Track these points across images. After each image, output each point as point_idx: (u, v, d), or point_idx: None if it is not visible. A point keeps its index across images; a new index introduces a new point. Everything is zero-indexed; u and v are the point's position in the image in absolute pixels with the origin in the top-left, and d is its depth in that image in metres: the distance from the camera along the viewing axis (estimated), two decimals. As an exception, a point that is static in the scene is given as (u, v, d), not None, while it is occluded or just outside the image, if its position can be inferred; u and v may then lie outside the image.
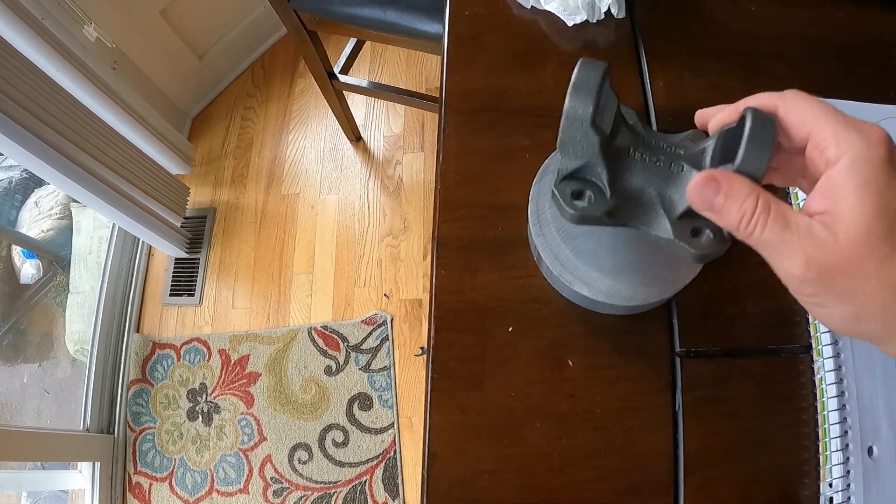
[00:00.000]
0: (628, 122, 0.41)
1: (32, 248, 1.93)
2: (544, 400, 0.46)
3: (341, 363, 1.64)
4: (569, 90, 0.38)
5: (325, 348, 1.66)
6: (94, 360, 1.67)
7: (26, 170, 2.03)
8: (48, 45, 1.34)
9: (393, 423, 1.56)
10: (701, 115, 0.39)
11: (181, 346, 1.72)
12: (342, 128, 1.92)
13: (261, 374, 1.65)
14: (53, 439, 1.47)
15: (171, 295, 1.81)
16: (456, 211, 0.53)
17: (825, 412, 0.44)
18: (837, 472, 0.42)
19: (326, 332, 1.69)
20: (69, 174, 1.38)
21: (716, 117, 0.37)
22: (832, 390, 0.44)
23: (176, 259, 1.85)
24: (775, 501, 0.43)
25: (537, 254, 0.48)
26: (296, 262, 1.81)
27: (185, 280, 1.82)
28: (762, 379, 0.47)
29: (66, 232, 1.94)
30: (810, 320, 0.48)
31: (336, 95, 1.70)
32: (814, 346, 0.47)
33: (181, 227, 1.82)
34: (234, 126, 2.05)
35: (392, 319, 1.68)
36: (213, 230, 1.88)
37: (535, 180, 0.50)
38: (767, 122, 0.33)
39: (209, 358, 1.69)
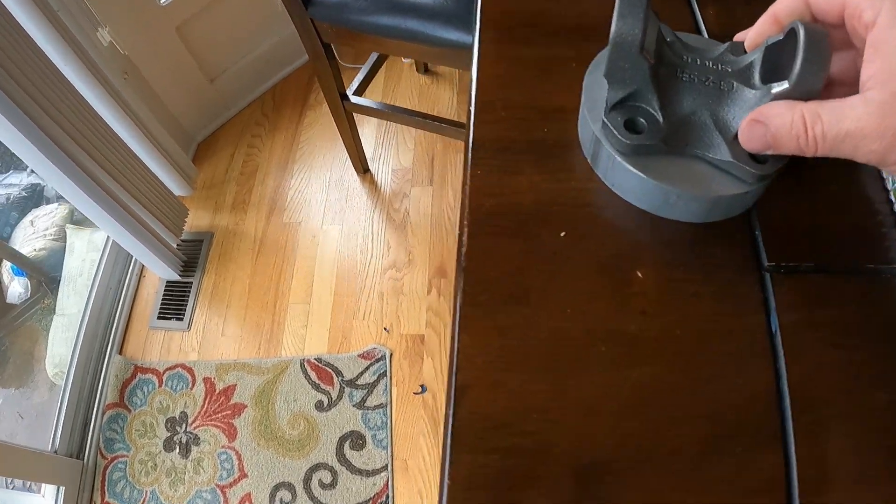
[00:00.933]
0: (667, 41, 0.39)
1: (23, 265, 1.84)
2: (608, 319, 0.36)
3: (334, 398, 1.51)
4: (614, 16, 0.36)
5: (317, 382, 1.54)
6: (70, 378, 1.54)
7: (25, 188, 2.00)
8: (61, 37, 1.29)
9: (387, 465, 1.42)
10: (740, 37, 0.39)
11: (164, 372, 1.60)
12: (350, 158, 1.86)
13: (246, 406, 1.52)
14: (15, 454, 1.33)
15: (159, 318, 1.70)
16: (494, 112, 0.45)
17: None
18: None
19: (320, 365, 1.56)
20: (73, 177, 1.31)
21: (752, 31, 0.37)
22: None
23: (168, 282, 1.75)
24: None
25: (595, 144, 0.39)
26: (293, 292, 1.70)
27: (175, 304, 1.71)
28: (865, 301, 0.37)
29: (58, 253, 1.86)
30: None
31: (347, 120, 1.64)
32: None
33: (177, 248, 1.73)
34: (240, 153, 1.99)
35: (391, 355, 1.57)
36: (209, 255, 1.79)
37: (590, 69, 0.41)
38: (821, 38, 0.32)
39: (193, 386, 1.56)
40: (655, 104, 0.38)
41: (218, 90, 2.00)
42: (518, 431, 0.34)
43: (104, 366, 1.63)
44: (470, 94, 0.46)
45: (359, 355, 1.57)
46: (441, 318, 1.60)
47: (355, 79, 1.62)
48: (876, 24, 0.30)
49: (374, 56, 1.67)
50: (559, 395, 0.35)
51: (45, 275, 1.89)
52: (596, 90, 0.40)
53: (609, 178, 0.40)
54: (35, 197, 2.02)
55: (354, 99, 1.56)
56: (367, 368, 1.55)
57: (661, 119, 0.38)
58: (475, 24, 0.52)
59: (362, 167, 1.87)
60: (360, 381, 1.53)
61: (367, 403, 1.50)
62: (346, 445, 1.45)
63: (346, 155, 1.84)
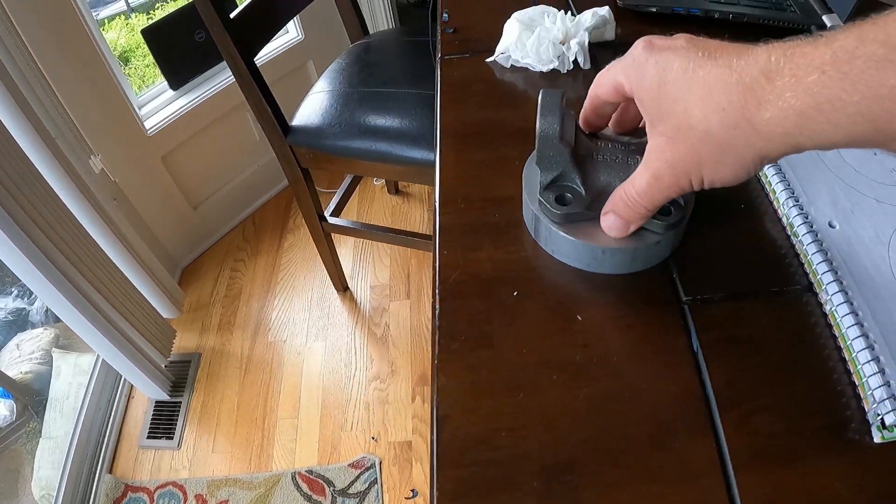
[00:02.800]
0: (585, 132, 0.50)
1: (9, 387, 1.86)
2: (557, 352, 0.45)
3: (327, 509, 1.53)
4: (537, 115, 0.46)
5: (309, 493, 1.56)
6: (59, 500, 1.55)
7: (11, 312, 2.02)
8: (58, 162, 1.39)
9: (383, 571, 1.43)
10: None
11: (155, 490, 1.61)
12: (330, 277, 1.96)
13: (240, 522, 1.53)
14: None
15: (148, 437, 1.72)
16: (455, 204, 0.55)
17: (843, 331, 0.43)
18: (875, 382, 0.40)
19: (311, 477, 1.59)
20: (67, 295, 1.37)
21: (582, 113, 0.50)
22: (844, 309, 0.44)
23: (157, 402, 1.78)
24: (825, 428, 0.41)
25: (534, 220, 0.50)
26: (281, 407, 1.75)
27: (164, 423, 1.74)
28: (774, 317, 0.46)
29: (44, 377, 1.88)
30: (804, 261, 0.49)
31: (325, 240, 1.76)
32: (814, 282, 0.48)
33: (165, 368, 1.78)
34: (224, 276, 2.08)
35: (381, 462, 1.60)
36: (197, 374, 1.84)
37: (528, 162, 0.53)
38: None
39: (184, 503, 1.58)
40: (578, 181, 0.48)
41: (201, 216, 2.12)
42: (492, 447, 0.42)
43: (94, 485, 1.64)
44: (435, 193, 0.57)
45: (349, 465, 1.60)
46: (426, 423, 1.65)
47: (332, 201, 1.75)
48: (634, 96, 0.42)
49: (347, 179, 1.81)
50: (522, 415, 0.43)
51: (30, 398, 1.89)
52: (531, 179, 0.51)
53: (548, 245, 0.50)
54: (20, 321, 2.04)
55: (332, 220, 1.68)
56: (358, 477, 1.58)
57: (583, 192, 0.48)
58: (436, 137, 0.64)
59: (342, 286, 1.97)
60: (351, 490, 1.56)
61: (360, 511, 1.52)
62: (341, 555, 1.46)
63: (326, 275, 1.94)
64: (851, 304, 0.44)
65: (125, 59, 2.46)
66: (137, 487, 1.63)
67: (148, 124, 1.81)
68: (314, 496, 1.56)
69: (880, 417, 0.39)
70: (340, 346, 1.86)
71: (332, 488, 1.57)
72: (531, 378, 0.44)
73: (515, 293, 0.49)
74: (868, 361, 0.41)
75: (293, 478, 1.59)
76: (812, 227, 0.50)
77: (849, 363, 0.43)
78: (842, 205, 0.52)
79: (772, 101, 0.32)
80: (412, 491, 1.55)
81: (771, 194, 0.54)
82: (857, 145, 0.31)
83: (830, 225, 0.50)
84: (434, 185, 0.58)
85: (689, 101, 0.36)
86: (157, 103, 1.87)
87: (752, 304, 0.47)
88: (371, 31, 1.79)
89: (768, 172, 0.55)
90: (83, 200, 1.48)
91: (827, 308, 0.46)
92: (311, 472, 1.60)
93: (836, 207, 0.51)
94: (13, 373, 1.90)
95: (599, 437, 0.42)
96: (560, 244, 0.49)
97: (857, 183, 0.54)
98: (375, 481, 1.57)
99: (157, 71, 1.89)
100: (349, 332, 1.89)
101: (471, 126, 0.65)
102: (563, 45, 0.74)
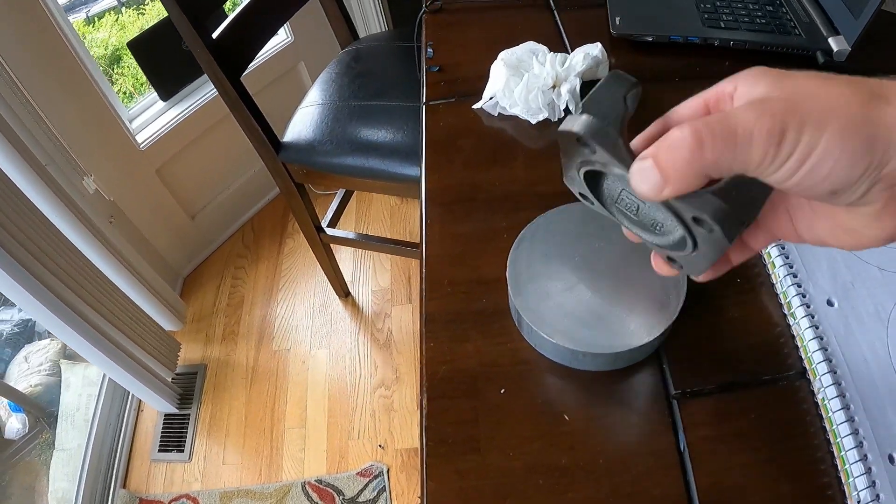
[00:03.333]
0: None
1: (20, 401, 1.88)
2: (544, 456, 0.45)
3: (337, 518, 1.56)
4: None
5: (319, 502, 1.59)
6: (77, 517, 1.58)
7: (17, 324, 2.03)
8: (50, 190, 1.39)
9: (394, 580, 1.46)
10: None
11: (169, 503, 1.64)
12: (331, 283, 1.96)
13: (252, 534, 1.56)
14: None
15: (159, 451, 1.75)
16: (441, 289, 0.55)
17: (834, 427, 0.43)
18: (862, 484, 0.40)
19: (321, 486, 1.61)
20: (67, 321, 1.38)
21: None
22: (836, 404, 0.44)
23: (166, 415, 1.81)
24: (804, 529, 0.41)
25: (518, 315, 0.50)
26: (288, 417, 1.77)
27: (174, 436, 1.77)
28: (764, 409, 0.46)
29: (54, 388, 1.90)
30: (800, 345, 0.48)
31: (324, 249, 1.76)
32: (808, 368, 0.47)
33: (172, 381, 1.80)
34: (225, 285, 2.09)
35: (388, 470, 1.62)
36: (204, 386, 1.85)
37: (512, 248, 0.52)
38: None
39: (198, 517, 1.61)
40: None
41: (199, 226, 2.12)
42: (482, 557, 0.43)
43: (109, 500, 1.67)
44: (421, 274, 0.56)
45: (357, 473, 1.62)
46: (432, 427, 1.66)
47: (328, 210, 1.74)
48: (737, 89, 0.32)
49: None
50: (511, 524, 0.43)
51: (41, 410, 1.91)
52: (518, 267, 0.51)
53: (531, 341, 0.50)
54: (27, 332, 2.05)
55: (330, 231, 1.68)
56: (367, 485, 1.60)
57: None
58: (421, 204, 0.63)
59: (343, 292, 1.97)
60: (360, 499, 1.58)
61: (369, 520, 1.54)
62: (353, 564, 1.49)
63: (328, 280, 1.95)
64: (844, 396, 0.44)
65: (117, 59, 2.43)
66: (151, 501, 1.65)
67: (140, 138, 1.80)
68: (324, 506, 1.58)
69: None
70: (344, 353, 1.87)
71: (341, 497, 1.59)
72: (518, 484, 0.45)
73: (503, 391, 0.49)
74: (856, 461, 0.42)
75: (303, 487, 1.62)
76: (809, 306, 0.49)
77: (836, 459, 0.43)
78: (842, 277, 0.51)
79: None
80: (420, 498, 1.56)
81: (770, 267, 0.53)
82: None
83: (829, 303, 0.50)
84: (421, 263, 0.58)
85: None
86: (148, 116, 1.86)
87: (743, 395, 0.47)
88: (362, 34, 1.77)
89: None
90: (77, 224, 1.48)
91: (819, 396, 0.46)
92: (320, 481, 1.62)
93: (835, 282, 0.51)
94: (23, 386, 1.92)
95: (585, 547, 0.42)
96: (541, 342, 0.49)
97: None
98: (384, 489, 1.59)
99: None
100: (352, 339, 1.90)
101: (456, 191, 0.64)
102: (554, 89, 0.72)
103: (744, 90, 0.32)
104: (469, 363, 0.50)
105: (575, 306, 0.47)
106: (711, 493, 0.43)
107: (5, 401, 1.88)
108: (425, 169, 0.67)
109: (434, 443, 0.47)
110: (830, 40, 0.77)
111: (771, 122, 0.28)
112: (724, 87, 0.33)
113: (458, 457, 0.46)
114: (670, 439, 0.46)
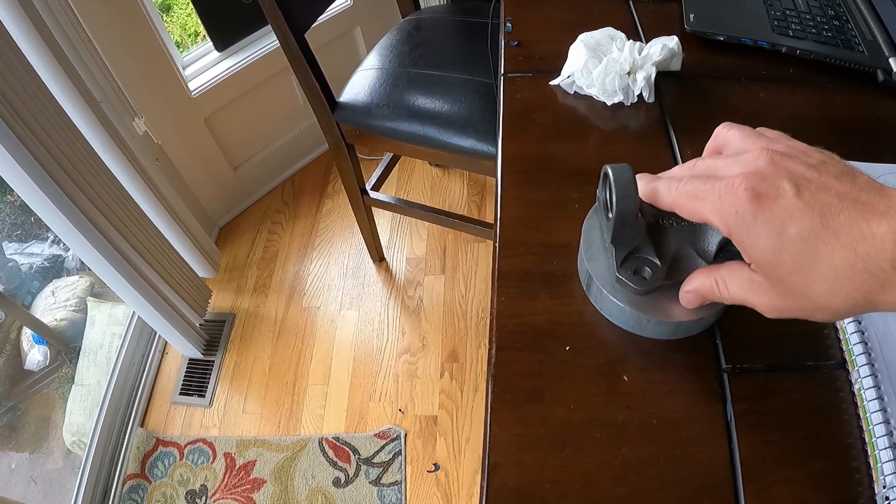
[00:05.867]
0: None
1: (44, 333, 1.94)
2: (602, 412, 0.48)
3: (351, 475, 1.60)
4: (614, 195, 0.45)
5: (335, 459, 1.63)
6: (93, 448, 1.63)
7: (48, 258, 2.09)
8: (102, 126, 1.43)
9: (401, 539, 1.50)
10: None
11: (185, 446, 1.69)
12: (367, 246, 2.00)
13: (266, 481, 1.61)
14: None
15: (181, 394, 1.80)
16: (514, 248, 0.58)
17: (868, 415, 0.46)
18: (889, 469, 0.43)
19: (338, 444, 1.66)
20: (105, 254, 1.42)
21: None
22: (871, 394, 0.47)
23: (190, 359, 1.86)
24: (835, 506, 0.44)
25: (588, 278, 0.52)
26: (312, 373, 1.81)
27: (197, 381, 1.82)
28: (804, 392, 0.49)
29: (79, 324, 1.95)
30: (841, 338, 0.51)
31: (365, 212, 1.79)
32: (848, 359, 0.50)
33: (200, 327, 1.84)
34: (261, 238, 2.13)
35: (406, 435, 1.66)
36: (231, 335, 1.90)
37: (587, 216, 0.55)
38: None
39: (213, 460, 1.66)
40: (651, 252, 0.48)
41: (241, 178, 2.17)
42: (537, 499, 0.45)
43: (126, 437, 1.72)
44: (495, 233, 0.59)
45: (375, 435, 1.66)
46: (453, 400, 1.71)
47: (373, 174, 1.78)
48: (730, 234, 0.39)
49: (390, 153, 1.83)
50: (566, 470, 0.46)
51: (64, 344, 1.97)
52: (591, 235, 0.53)
53: (598, 305, 0.53)
54: (56, 268, 2.10)
55: (373, 194, 1.71)
56: (383, 447, 1.64)
57: (659, 263, 0.48)
58: (497, 168, 0.66)
59: (378, 256, 2.01)
60: (375, 460, 1.62)
61: (383, 481, 1.59)
62: (362, 520, 1.54)
63: (363, 243, 1.98)
64: (879, 388, 0.47)
65: (167, 7, 2.47)
66: (168, 442, 1.71)
67: (192, 86, 1.84)
68: (339, 462, 1.62)
69: (888, 501, 0.42)
70: (373, 316, 1.91)
71: (357, 456, 1.63)
72: (576, 435, 0.47)
73: (567, 348, 0.51)
74: (886, 448, 0.44)
75: (320, 443, 1.66)
76: None
77: (867, 445, 0.46)
78: None
79: (893, 288, 0.33)
80: (434, 465, 1.61)
81: None
82: None
83: None
84: (495, 223, 0.61)
85: (811, 279, 0.36)
86: (202, 64, 1.90)
87: (787, 377, 0.50)
88: (423, 6, 1.79)
89: None
90: (125, 162, 1.52)
91: (856, 387, 0.49)
92: (337, 438, 1.67)
93: None
94: (48, 319, 1.97)
95: (633, 498, 0.45)
96: (609, 306, 0.51)
97: None
98: (399, 452, 1.63)
99: (198, 20, 1.89)
100: (383, 303, 1.94)
101: (531, 161, 0.66)
102: (630, 75, 0.74)
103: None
104: (537, 319, 0.53)
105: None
106: (752, 462, 0.46)
107: (29, 332, 1.94)
108: (502, 137, 0.69)
109: (500, 390, 0.50)
110: (891, 60, 0.79)
111: (773, 315, 0.41)
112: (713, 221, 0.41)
113: (521, 405, 0.49)
114: (719, 409, 0.48)
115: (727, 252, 0.46)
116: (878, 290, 0.34)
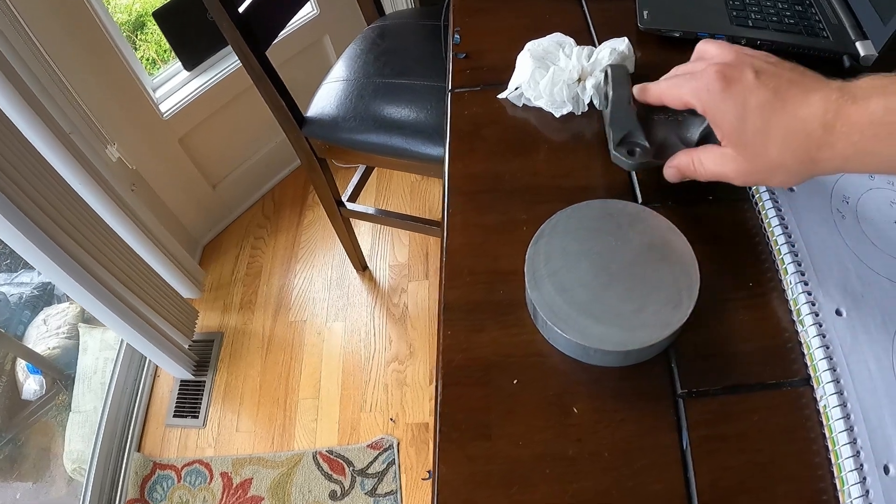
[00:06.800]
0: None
1: (38, 363, 1.93)
2: (552, 446, 0.47)
3: (346, 487, 1.60)
4: (611, 86, 0.62)
5: (329, 472, 1.63)
6: (91, 477, 1.63)
7: (37, 287, 2.08)
8: (74, 158, 1.41)
9: (400, 550, 1.50)
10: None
11: (182, 468, 1.68)
12: (349, 257, 1.98)
13: (263, 499, 1.60)
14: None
15: (174, 416, 1.79)
16: (461, 278, 0.57)
17: (833, 435, 0.45)
18: (856, 493, 0.42)
19: (332, 457, 1.65)
20: (87, 286, 1.41)
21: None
22: (836, 413, 0.45)
23: (181, 381, 1.85)
24: (798, 531, 0.43)
25: (533, 309, 0.51)
26: (302, 387, 1.80)
27: (189, 402, 1.81)
28: (766, 413, 0.48)
29: (72, 351, 1.94)
30: (805, 352, 0.50)
31: (344, 223, 1.78)
32: (812, 375, 0.48)
33: (189, 348, 1.84)
34: (244, 254, 2.12)
35: (398, 443, 1.66)
36: (220, 354, 1.89)
37: (531, 243, 0.54)
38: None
39: (210, 480, 1.65)
40: (642, 137, 0.58)
41: (220, 195, 2.15)
42: (487, 539, 0.45)
43: (124, 463, 1.71)
44: (441, 263, 0.58)
45: (368, 445, 1.66)
46: (443, 403, 1.69)
47: (349, 184, 1.76)
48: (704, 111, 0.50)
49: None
50: (517, 508, 0.45)
51: (59, 372, 1.96)
52: (536, 262, 0.52)
53: (546, 334, 0.52)
54: (46, 295, 2.09)
55: (350, 206, 1.70)
56: (377, 458, 1.64)
57: (647, 145, 0.58)
58: (444, 192, 0.65)
59: (361, 265, 2.00)
60: (370, 470, 1.62)
61: (378, 491, 1.58)
62: (360, 533, 1.53)
63: (346, 254, 1.97)
64: (845, 405, 0.46)
65: (141, 25, 2.45)
66: (165, 465, 1.70)
67: (163, 108, 1.82)
68: (335, 475, 1.62)
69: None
70: (360, 326, 1.90)
71: (351, 468, 1.63)
72: (525, 471, 0.47)
73: (515, 381, 0.50)
74: (853, 470, 0.43)
75: (314, 457, 1.66)
76: (818, 315, 0.50)
77: (833, 466, 0.45)
78: (852, 287, 0.52)
79: (828, 148, 0.44)
80: (428, 472, 1.60)
81: (782, 273, 0.54)
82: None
83: (838, 312, 0.50)
84: (442, 252, 0.59)
85: (768, 139, 0.46)
86: (172, 85, 1.88)
87: (747, 399, 0.49)
88: (388, 10, 1.77)
89: (782, 249, 0.55)
90: (100, 191, 1.50)
91: (821, 404, 0.47)
92: (331, 451, 1.66)
93: (845, 291, 0.52)
94: (41, 348, 1.96)
95: (587, 534, 0.44)
96: (555, 336, 0.50)
97: (873, 259, 0.54)
98: (393, 462, 1.62)
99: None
100: (368, 313, 1.93)
101: (479, 181, 0.65)
102: (579, 83, 0.73)
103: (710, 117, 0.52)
104: (484, 352, 0.52)
105: (589, 302, 0.49)
106: (710, 492, 0.45)
107: (24, 362, 1.93)
108: (449, 158, 0.68)
109: (447, 428, 0.49)
110: (858, 44, 0.76)
111: (741, 181, 0.51)
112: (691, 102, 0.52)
113: (469, 442, 0.48)
114: (674, 437, 0.47)
115: (706, 142, 0.56)
116: (815, 149, 0.44)
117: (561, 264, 0.51)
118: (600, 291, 0.49)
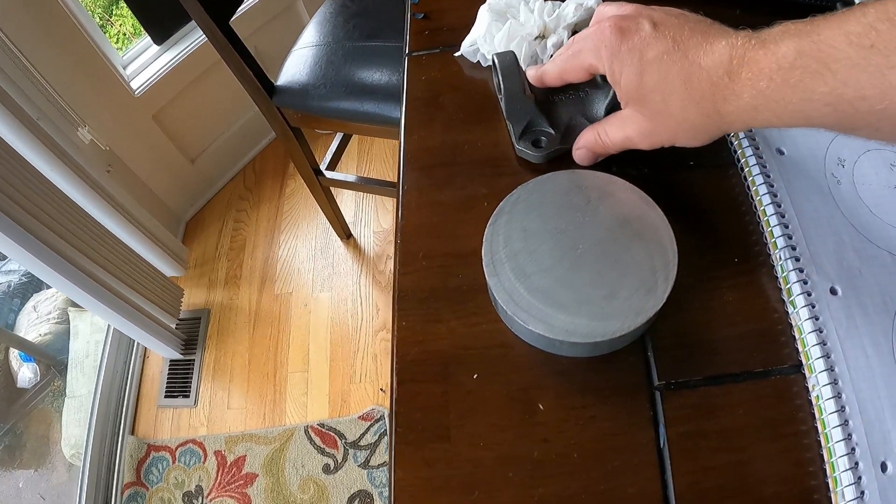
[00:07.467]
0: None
1: (30, 351, 1.92)
2: (515, 447, 0.43)
3: (340, 460, 1.58)
4: (501, 78, 0.56)
5: (322, 446, 1.61)
6: (87, 463, 1.62)
7: (25, 274, 2.05)
8: (43, 145, 1.37)
9: (395, 521, 1.48)
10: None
11: (176, 448, 1.67)
12: (332, 226, 1.94)
13: (258, 475, 1.59)
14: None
15: (166, 396, 1.77)
16: (416, 263, 0.52)
17: (827, 430, 0.40)
18: (850, 494, 0.38)
19: (323, 430, 1.63)
20: (67, 275, 1.38)
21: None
22: (830, 405, 0.41)
23: (171, 361, 1.83)
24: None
25: (493, 296, 0.47)
26: (290, 361, 1.78)
27: (180, 382, 1.79)
28: (753, 405, 0.43)
29: (63, 336, 1.93)
30: (797, 337, 0.45)
31: (324, 192, 1.73)
32: (804, 362, 0.44)
33: (176, 328, 1.81)
34: (227, 228, 2.07)
35: (389, 414, 1.63)
36: (208, 331, 1.87)
37: (489, 222, 0.49)
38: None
39: (205, 459, 1.64)
40: (546, 124, 0.55)
41: (199, 170, 2.09)
42: (447, 550, 0.41)
43: (118, 447, 1.70)
44: (396, 245, 0.53)
45: (359, 417, 1.64)
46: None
47: (328, 152, 1.70)
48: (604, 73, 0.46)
49: (342, 131, 1.76)
50: (478, 516, 0.42)
51: (52, 358, 1.95)
52: (495, 244, 0.48)
53: (507, 324, 0.48)
54: (35, 282, 2.07)
55: (329, 174, 1.64)
56: (368, 429, 1.62)
57: (553, 132, 0.55)
58: (399, 168, 0.60)
59: (345, 233, 1.95)
60: (362, 442, 1.60)
61: (372, 463, 1.56)
62: (356, 505, 1.52)
63: (329, 223, 1.92)
64: (840, 396, 0.41)
65: (115, 0, 2.36)
66: (159, 447, 1.68)
67: (134, 84, 1.75)
68: (327, 449, 1.60)
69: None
70: (346, 295, 1.86)
71: (343, 441, 1.61)
72: (487, 476, 0.43)
73: (475, 376, 0.46)
74: (847, 470, 0.39)
75: (306, 431, 1.64)
76: (811, 294, 0.45)
77: (826, 464, 0.41)
78: (849, 262, 0.46)
79: (734, 98, 0.39)
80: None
81: (771, 246, 0.48)
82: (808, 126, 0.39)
83: (832, 291, 0.45)
84: (396, 233, 0.55)
85: (668, 93, 0.42)
86: (143, 61, 1.81)
87: (732, 389, 0.44)
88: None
89: (771, 221, 0.49)
90: (72, 176, 1.46)
91: (813, 394, 0.42)
92: (322, 425, 1.64)
93: (841, 267, 0.46)
94: (33, 335, 1.94)
95: (554, 542, 0.41)
96: (518, 327, 0.46)
97: (872, 231, 0.48)
98: (385, 433, 1.60)
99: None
100: (354, 281, 1.89)
101: (436, 154, 0.60)
102: (540, 40, 0.67)
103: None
104: (441, 345, 0.48)
105: (554, 288, 0.44)
106: (689, 494, 0.41)
107: (16, 352, 1.92)
108: (404, 130, 0.62)
109: (403, 429, 0.45)
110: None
111: (648, 144, 0.48)
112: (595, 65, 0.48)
113: (426, 445, 0.44)
114: (650, 434, 0.43)
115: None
116: (720, 100, 0.40)
117: (522, 246, 0.46)
118: (566, 275, 0.45)
